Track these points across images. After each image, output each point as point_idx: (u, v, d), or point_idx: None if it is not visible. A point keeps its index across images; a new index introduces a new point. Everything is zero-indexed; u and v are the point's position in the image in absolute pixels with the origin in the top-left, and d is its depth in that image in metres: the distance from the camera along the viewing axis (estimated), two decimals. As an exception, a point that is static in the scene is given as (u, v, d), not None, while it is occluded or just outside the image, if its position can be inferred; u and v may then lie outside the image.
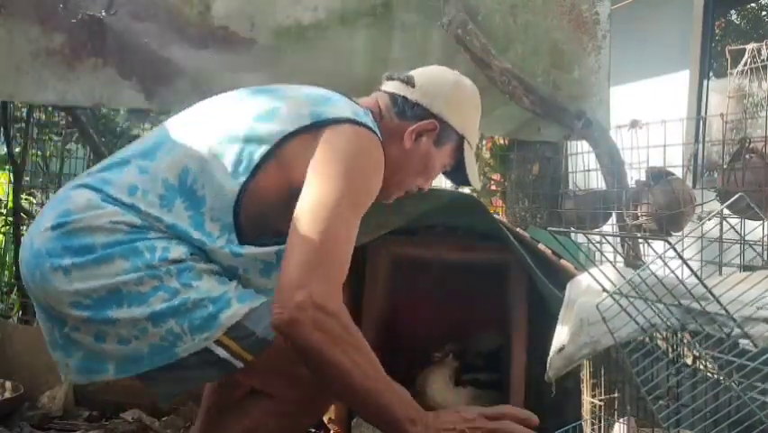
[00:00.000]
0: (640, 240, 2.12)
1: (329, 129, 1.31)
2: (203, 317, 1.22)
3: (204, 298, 1.23)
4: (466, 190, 3.75)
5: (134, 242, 1.23)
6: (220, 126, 1.34)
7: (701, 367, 1.49)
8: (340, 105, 1.37)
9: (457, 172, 1.60)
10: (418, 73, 1.55)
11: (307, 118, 1.32)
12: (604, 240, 1.48)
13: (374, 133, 1.36)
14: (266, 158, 1.29)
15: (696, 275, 1.18)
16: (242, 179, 1.28)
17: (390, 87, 1.55)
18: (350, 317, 1.20)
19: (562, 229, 1.62)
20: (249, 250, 1.30)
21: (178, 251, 1.24)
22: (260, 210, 1.31)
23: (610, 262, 1.89)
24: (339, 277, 1.21)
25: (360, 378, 1.18)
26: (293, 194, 1.26)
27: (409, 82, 1.51)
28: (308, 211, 1.22)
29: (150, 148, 1.35)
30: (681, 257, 1.15)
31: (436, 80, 1.54)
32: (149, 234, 1.25)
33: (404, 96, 1.50)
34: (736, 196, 1.36)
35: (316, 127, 1.31)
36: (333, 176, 1.25)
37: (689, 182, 2.73)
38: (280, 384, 1.29)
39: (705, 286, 1.16)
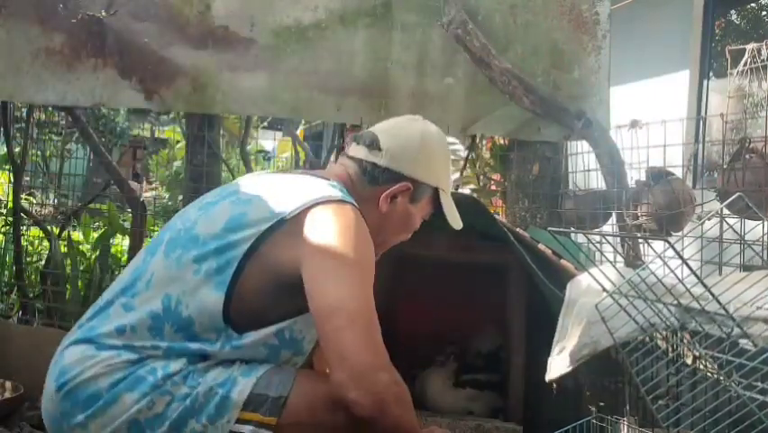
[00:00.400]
0: (640, 240, 2.12)
1: (308, 215, 1.32)
2: (216, 403, 1.26)
3: (211, 386, 1.27)
4: (466, 191, 3.75)
5: (134, 372, 1.28)
6: (191, 244, 1.36)
7: (701, 367, 1.49)
8: (306, 189, 1.38)
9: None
10: (382, 132, 1.54)
11: (277, 216, 1.33)
12: (604, 240, 1.48)
13: (350, 203, 1.38)
14: (244, 261, 1.31)
15: (695, 274, 1.18)
16: (224, 288, 1.30)
17: (357, 152, 1.53)
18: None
19: (562, 229, 1.61)
20: (248, 339, 1.33)
21: (177, 364, 1.29)
22: (253, 306, 1.32)
23: (610, 262, 1.89)
24: (381, 342, 1.26)
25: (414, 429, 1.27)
26: (285, 282, 1.30)
27: (375, 147, 1.50)
28: (339, 298, 1.25)
29: (130, 283, 1.38)
30: (680, 257, 1.15)
31: (402, 141, 1.52)
32: (146, 361, 1.29)
33: (373, 163, 1.50)
34: (735, 196, 1.36)
35: (289, 219, 1.32)
36: (341, 260, 1.28)
37: (689, 182, 2.73)
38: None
39: (704, 285, 1.17)
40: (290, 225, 1.32)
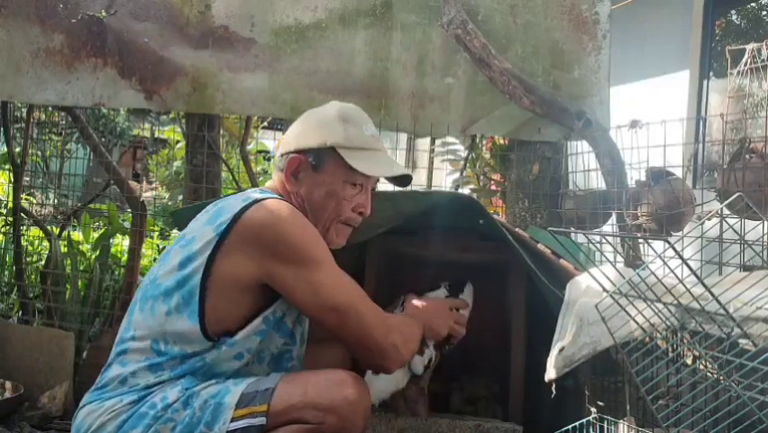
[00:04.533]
0: (640, 240, 2.11)
1: (240, 225, 1.43)
2: (211, 411, 1.34)
3: (206, 399, 1.36)
4: (466, 191, 3.75)
5: (137, 411, 1.36)
6: (157, 291, 1.46)
7: (701, 367, 1.49)
8: (231, 203, 1.48)
9: (393, 180, 1.66)
10: None
11: (214, 238, 1.43)
12: (604, 240, 1.48)
13: (270, 198, 1.49)
14: (204, 287, 1.41)
15: (696, 274, 1.18)
16: (195, 317, 1.41)
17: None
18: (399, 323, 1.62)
19: (562, 229, 1.61)
20: (241, 335, 1.44)
21: (173, 393, 1.37)
22: (231, 317, 1.44)
23: (610, 262, 1.89)
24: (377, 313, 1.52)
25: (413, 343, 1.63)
26: (249, 288, 1.44)
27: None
28: (336, 301, 1.45)
29: (119, 343, 1.49)
30: (680, 257, 1.15)
31: (290, 128, 1.64)
32: (146, 398, 1.37)
33: (279, 156, 1.62)
34: (735, 195, 1.36)
35: (226, 235, 1.43)
36: (305, 264, 1.43)
37: (689, 182, 2.73)
38: (314, 415, 1.35)
39: (704, 285, 1.16)
40: (229, 239, 1.42)
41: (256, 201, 1.45)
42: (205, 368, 1.42)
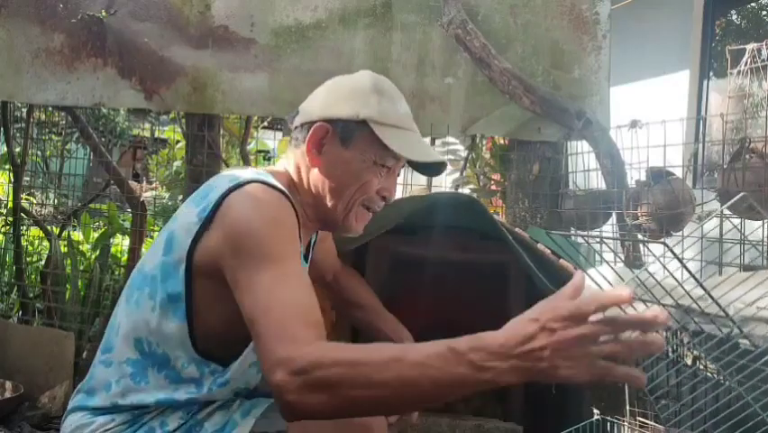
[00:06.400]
0: (640, 243, 2.11)
1: (220, 210, 1.23)
2: None
3: None
4: (466, 191, 3.75)
5: None
6: (144, 282, 1.31)
7: (701, 367, 1.49)
8: (219, 187, 1.28)
9: (425, 169, 1.46)
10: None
11: (197, 222, 1.25)
12: (604, 242, 1.48)
13: (256, 181, 1.27)
14: (189, 281, 1.25)
15: (695, 278, 1.18)
16: (183, 316, 1.26)
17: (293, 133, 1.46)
18: (323, 350, 1.02)
19: (561, 232, 1.61)
20: (233, 369, 1.30)
21: (174, 419, 1.25)
22: (220, 327, 1.27)
23: (608, 264, 1.88)
24: (293, 328, 1.07)
25: (394, 387, 0.97)
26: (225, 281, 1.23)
27: (295, 115, 1.44)
28: (243, 301, 1.15)
29: (106, 339, 1.34)
30: (679, 260, 1.15)
31: (313, 95, 1.44)
32: (143, 419, 1.26)
33: (294, 128, 1.42)
34: (739, 195, 1.36)
35: (208, 220, 1.24)
36: (244, 258, 1.18)
37: (689, 182, 2.73)
38: None
39: (704, 288, 1.16)
40: (211, 224, 1.24)
41: (241, 184, 1.25)
42: (200, 400, 1.29)
